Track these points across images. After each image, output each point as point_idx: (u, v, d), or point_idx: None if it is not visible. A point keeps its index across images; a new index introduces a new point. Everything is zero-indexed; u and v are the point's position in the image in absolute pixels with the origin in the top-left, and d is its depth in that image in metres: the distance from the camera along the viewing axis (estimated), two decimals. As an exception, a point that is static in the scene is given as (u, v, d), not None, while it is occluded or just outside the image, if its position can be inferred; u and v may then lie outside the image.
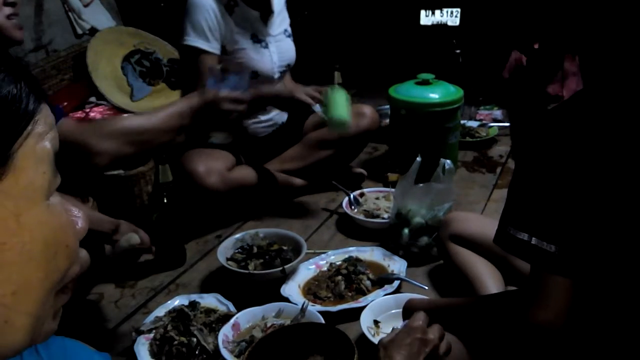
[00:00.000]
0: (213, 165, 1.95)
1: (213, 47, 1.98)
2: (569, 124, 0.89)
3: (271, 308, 1.47)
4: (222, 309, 1.51)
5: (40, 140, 0.43)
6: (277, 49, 2.13)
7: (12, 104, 0.40)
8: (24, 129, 0.41)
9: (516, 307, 0.93)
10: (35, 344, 0.47)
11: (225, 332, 1.38)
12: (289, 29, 2.22)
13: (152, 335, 1.40)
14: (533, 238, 0.88)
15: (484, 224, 1.58)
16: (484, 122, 2.80)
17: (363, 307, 1.46)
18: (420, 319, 0.98)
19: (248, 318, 1.44)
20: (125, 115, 1.29)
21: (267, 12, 2.09)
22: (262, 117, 2.19)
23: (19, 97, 0.41)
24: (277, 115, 2.24)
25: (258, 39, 2.08)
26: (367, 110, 2.26)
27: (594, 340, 0.92)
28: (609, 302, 0.90)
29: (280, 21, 2.17)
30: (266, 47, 2.10)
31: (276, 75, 2.14)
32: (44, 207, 0.44)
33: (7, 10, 1.26)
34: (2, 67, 0.41)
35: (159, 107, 1.35)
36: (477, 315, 1.05)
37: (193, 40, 1.97)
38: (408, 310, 1.23)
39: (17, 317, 0.43)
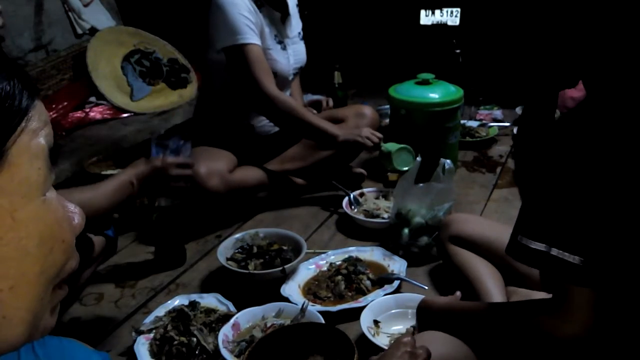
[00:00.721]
0: (214, 167, 1.95)
1: (259, 41, 1.95)
2: (593, 130, 0.86)
3: (271, 308, 1.47)
4: (222, 308, 1.51)
5: (34, 136, 0.43)
6: (293, 51, 2.14)
7: (5, 100, 0.40)
8: (18, 125, 0.42)
9: (540, 320, 0.91)
10: (33, 340, 0.47)
11: (225, 332, 1.38)
12: (302, 32, 2.22)
13: (152, 335, 1.40)
14: (553, 249, 0.85)
15: (483, 225, 1.58)
16: (484, 122, 2.80)
17: (363, 307, 1.46)
18: (409, 334, 1.02)
19: (248, 318, 1.44)
20: (75, 189, 1.28)
21: (285, 14, 2.09)
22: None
23: (12, 93, 0.41)
24: None
25: (279, 40, 2.08)
26: (367, 110, 2.27)
27: (620, 351, 0.90)
28: (635, 312, 0.87)
29: (295, 23, 2.18)
30: (285, 48, 2.10)
31: (290, 77, 2.16)
32: (39, 203, 0.44)
33: None
34: None
35: (104, 181, 1.35)
36: (496, 323, 1.03)
37: (244, 37, 1.89)
38: (423, 310, 1.22)
39: (15, 312, 0.44)
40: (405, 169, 1.98)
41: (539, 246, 0.86)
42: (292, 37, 2.14)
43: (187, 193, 1.54)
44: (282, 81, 2.10)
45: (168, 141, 1.50)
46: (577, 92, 2.24)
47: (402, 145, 2.04)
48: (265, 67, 1.94)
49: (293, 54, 2.13)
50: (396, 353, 0.96)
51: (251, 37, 1.91)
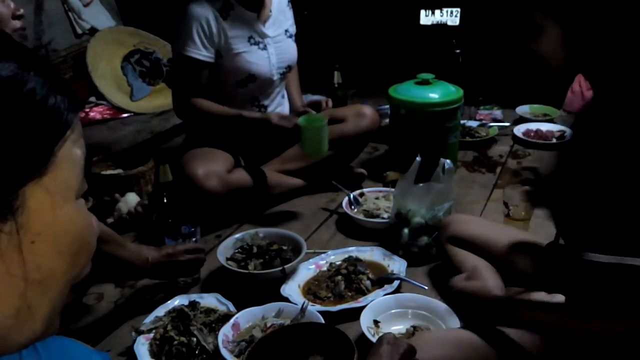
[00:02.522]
0: (212, 169, 1.94)
1: (206, 55, 1.97)
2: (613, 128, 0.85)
3: (271, 308, 1.47)
4: (222, 308, 1.51)
5: (74, 146, 0.49)
6: (276, 50, 2.10)
7: (56, 112, 0.47)
8: (64, 134, 0.48)
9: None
10: (39, 340, 0.49)
11: (225, 332, 1.38)
12: (292, 29, 2.19)
13: (152, 335, 1.40)
14: (626, 258, 0.82)
15: (482, 225, 1.58)
16: (484, 122, 2.80)
17: (363, 307, 1.46)
18: (391, 335, 1.01)
19: (248, 318, 1.44)
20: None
21: (258, 12, 2.05)
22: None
23: (62, 108, 0.48)
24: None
25: (255, 40, 2.04)
26: (367, 110, 2.26)
27: None
28: None
29: (281, 21, 2.14)
30: (264, 48, 2.06)
31: (275, 77, 2.12)
32: (74, 205, 0.49)
33: (17, 23, 1.27)
34: (52, 85, 0.47)
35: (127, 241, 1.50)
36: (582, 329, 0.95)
37: (187, 50, 1.95)
38: (471, 298, 1.16)
39: (39, 306, 0.47)
40: (315, 151, 1.96)
41: (611, 259, 0.84)
42: (275, 35, 2.10)
43: (197, 270, 1.67)
44: (263, 83, 2.09)
45: (179, 229, 1.65)
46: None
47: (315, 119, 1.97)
48: (193, 81, 1.99)
49: (275, 54, 2.09)
50: (379, 349, 0.98)
51: (194, 52, 1.95)
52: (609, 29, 0.93)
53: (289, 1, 2.20)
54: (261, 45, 2.06)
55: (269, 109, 2.17)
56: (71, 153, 0.49)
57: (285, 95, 2.29)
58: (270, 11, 2.09)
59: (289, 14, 2.20)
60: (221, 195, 1.94)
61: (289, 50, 2.16)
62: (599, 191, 0.86)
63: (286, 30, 2.16)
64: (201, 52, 1.96)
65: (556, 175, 0.99)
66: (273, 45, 2.09)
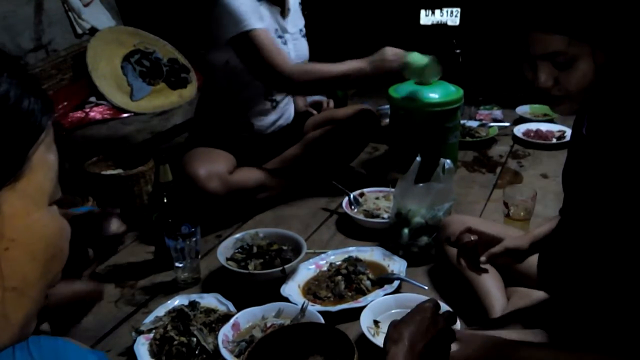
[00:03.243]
0: (214, 169, 1.94)
1: (263, 24, 1.92)
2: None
3: (271, 308, 1.46)
4: (222, 308, 1.51)
5: (48, 150, 0.48)
6: (294, 47, 2.12)
7: (30, 115, 0.46)
8: (38, 137, 0.47)
9: None
10: (16, 344, 0.49)
11: (225, 332, 1.38)
12: (304, 29, 2.20)
13: (152, 335, 1.40)
14: None
15: (482, 226, 1.58)
16: (484, 122, 2.80)
17: (363, 307, 1.45)
18: (432, 303, 0.96)
19: (248, 318, 1.44)
20: None
21: (283, 8, 2.07)
22: (270, 116, 2.18)
23: (35, 110, 0.47)
24: (282, 119, 2.23)
25: (279, 34, 2.06)
26: (368, 111, 2.26)
27: None
28: None
29: (297, 20, 2.16)
30: (285, 43, 2.07)
31: None
32: (47, 211, 0.48)
33: None
34: (26, 87, 0.46)
35: None
36: None
37: (248, 24, 1.87)
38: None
39: (15, 312, 0.46)
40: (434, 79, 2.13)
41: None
42: (293, 32, 2.12)
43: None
44: None
45: (179, 229, 1.63)
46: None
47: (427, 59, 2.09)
48: (274, 48, 1.92)
49: (294, 50, 2.11)
50: (416, 317, 0.93)
51: (255, 23, 1.89)
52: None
53: (299, 3, 2.21)
54: (283, 40, 2.07)
55: (280, 105, 2.19)
56: (45, 157, 0.48)
57: None
58: (289, 9, 2.10)
59: (301, 15, 2.21)
60: (222, 196, 1.94)
61: (303, 49, 2.17)
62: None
63: (301, 30, 2.17)
64: (259, 22, 1.89)
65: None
66: (292, 42, 2.11)
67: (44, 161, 0.48)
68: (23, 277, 0.46)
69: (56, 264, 0.50)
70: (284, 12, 2.08)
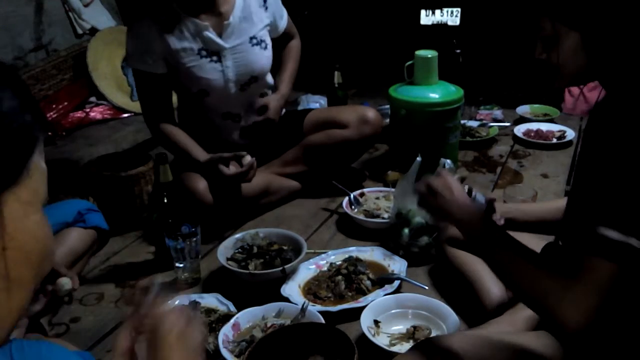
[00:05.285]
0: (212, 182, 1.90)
1: (154, 68, 1.89)
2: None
3: (271, 308, 1.47)
4: (222, 309, 1.51)
5: (41, 158, 0.52)
6: (235, 62, 1.95)
7: (28, 128, 0.50)
8: (35, 148, 0.51)
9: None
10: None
11: (226, 332, 1.38)
12: (262, 35, 2.02)
13: (152, 335, 1.40)
14: (632, 238, 0.82)
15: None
16: (484, 122, 2.80)
17: (363, 307, 1.45)
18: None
19: (248, 318, 1.44)
20: None
21: (217, 24, 1.92)
22: (237, 130, 2.09)
23: (31, 124, 0.51)
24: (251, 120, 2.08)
25: (208, 52, 1.92)
26: (371, 114, 2.13)
27: None
28: None
29: (245, 29, 1.97)
30: (217, 61, 1.93)
31: (232, 90, 1.98)
32: (40, 215, 0.51)
33: None
34: (26, 102, 0.50)
35: None
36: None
37: (134, 63, 1.92)
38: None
39: (5, 314, 0.48)
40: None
41: (620, 237, 0.83)
42: (234, 45, 1.95)
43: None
44: (220, 96, 1.97)
45: (179, 229, 1.64)
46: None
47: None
48: (148, 95, 1.96)
49: (234, 66, 1.95)
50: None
51: (134, 63, 1.91)
52: (627, 34, 0.93)
53: (264, 2, 2.03)
54: (215, 58, 1.93)
55: (245, 119, 2.07)
56: (39, 165, 0.52)
57: (270, 92, 2.13)
58: (229, 21, 1.93)
59: (262, 16, 2.03)
60: (221, 208, 1.93)
61: (253, 60, 1.99)
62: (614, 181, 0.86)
63: (252, 38, 1.98)
64: (148, 66, 1.89)
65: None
66: (230, 57, 1.95)
67: (39, 168, 0.51)
68: (16, 277, 0.48)
69: (46, 266, 0.52)
70: (219, 27, 1.92)
